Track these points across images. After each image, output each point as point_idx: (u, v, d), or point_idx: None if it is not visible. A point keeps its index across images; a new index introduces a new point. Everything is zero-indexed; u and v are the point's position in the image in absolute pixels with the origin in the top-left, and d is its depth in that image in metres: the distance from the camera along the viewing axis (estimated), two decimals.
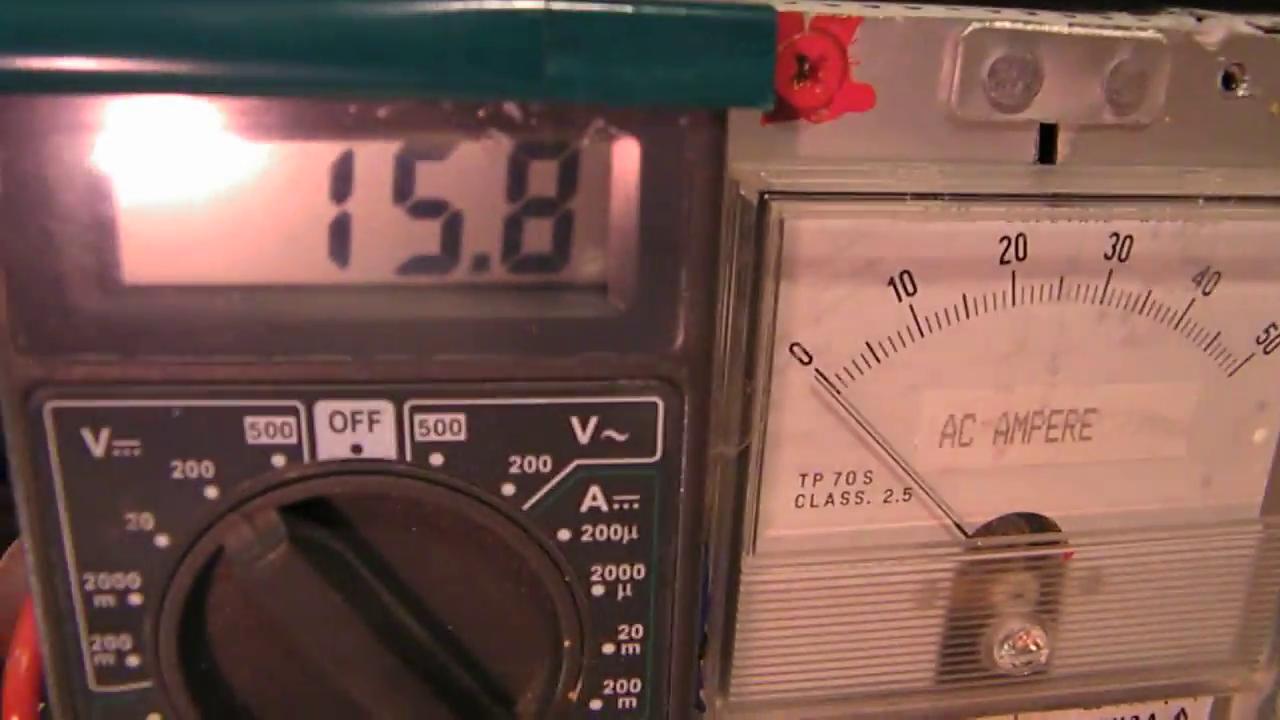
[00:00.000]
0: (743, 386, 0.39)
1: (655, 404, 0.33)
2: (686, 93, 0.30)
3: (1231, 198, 0.41)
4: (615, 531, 0.34)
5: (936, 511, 0.43)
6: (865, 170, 0.39)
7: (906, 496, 0.42)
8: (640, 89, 0.29)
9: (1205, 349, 0.43)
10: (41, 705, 0.37)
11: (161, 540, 0.33)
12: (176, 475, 0.33)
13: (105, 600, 0.34)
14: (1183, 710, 0.50)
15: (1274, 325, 0.43)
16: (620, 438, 0.33)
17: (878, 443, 0.41)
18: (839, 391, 0.40)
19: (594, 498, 0.34)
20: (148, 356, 0.32)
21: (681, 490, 0.34)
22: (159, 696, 0.35)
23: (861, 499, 0.42)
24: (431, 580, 0.36)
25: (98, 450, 0.32)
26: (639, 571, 0.35)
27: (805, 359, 0.39)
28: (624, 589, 0.35)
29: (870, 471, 0.42)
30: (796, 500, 0.41)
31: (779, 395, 0.40)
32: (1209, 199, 0.41)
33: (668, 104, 0.30)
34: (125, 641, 0.34)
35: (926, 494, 0.42)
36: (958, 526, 0.43)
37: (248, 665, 0.36)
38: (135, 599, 0.34)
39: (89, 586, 0.34)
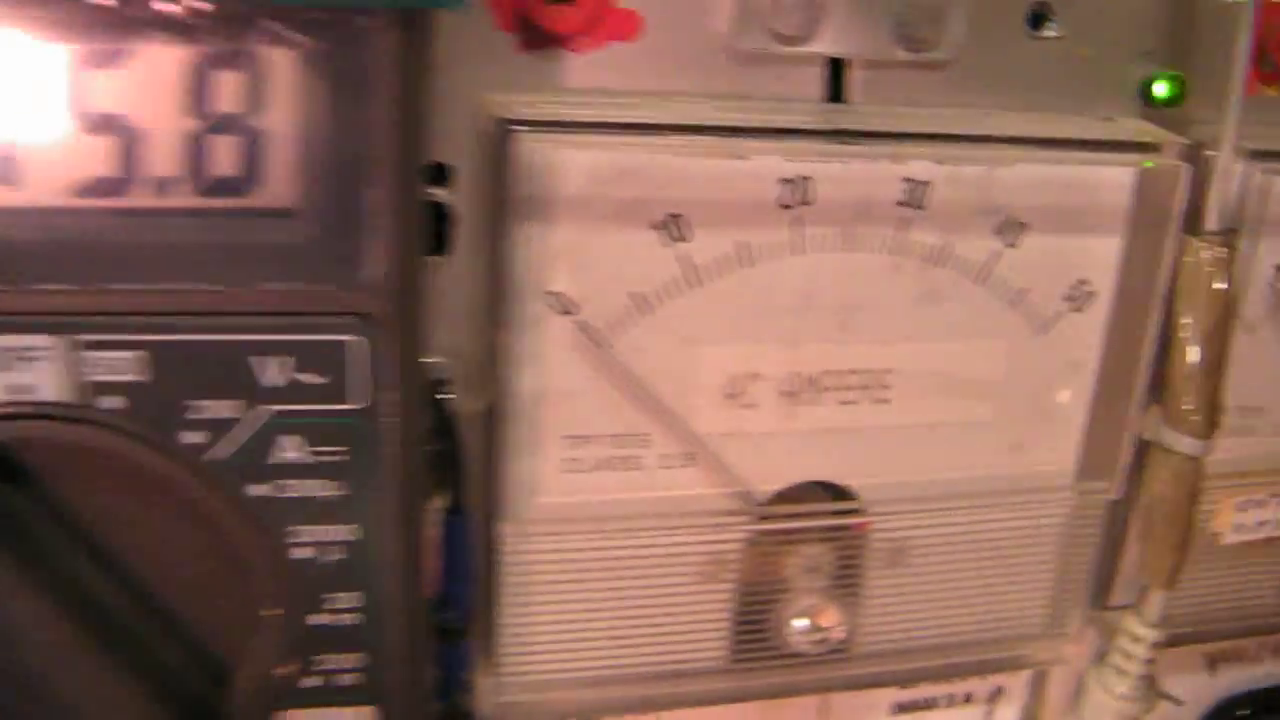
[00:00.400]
0: (489, 337, 0.36)
1: (353, 343, 0.30)
2: None
3: (1034, 140, 0.38)
4: (318, 487, 0.31)
5: (721, 478, 0.40)
6: (629, 103, 0.36)
7: (687, 462, 0.39)
8: None
9: (1011, 306, 0.40)
10: None
11: None
12: None
13: None
14: (1000, 686, 0.47)
15: (1084, 281, 0.41)
16: (317, 381, 0.30)
17: (652, 403, 0.38)
18: (605, 346, 0.37)
19: (290, 448, 0.30)
20: None
21: (392, 443, 0.31)
22: None
23: (637, 464, 0.39)
24: (130, 543, 0.32)
25: None
26: (349, 533, 0.31)
27: (566, 309, 0.36)
28: (333, 552, 0.32)
29: (646, 434, 0.39)
30: (565, 464, 0.38)
31: (539, 349, 0.37)
32: (1010, 141, 0.38)
33: (342, 5, 0.27)
34: None
35: (709, 460, 0.39)
36: (745, 494, 0.40)
37: None
38: None
39: None
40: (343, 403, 0.30)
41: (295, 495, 0.31)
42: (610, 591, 0.40)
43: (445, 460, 0.37)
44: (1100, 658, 0.43)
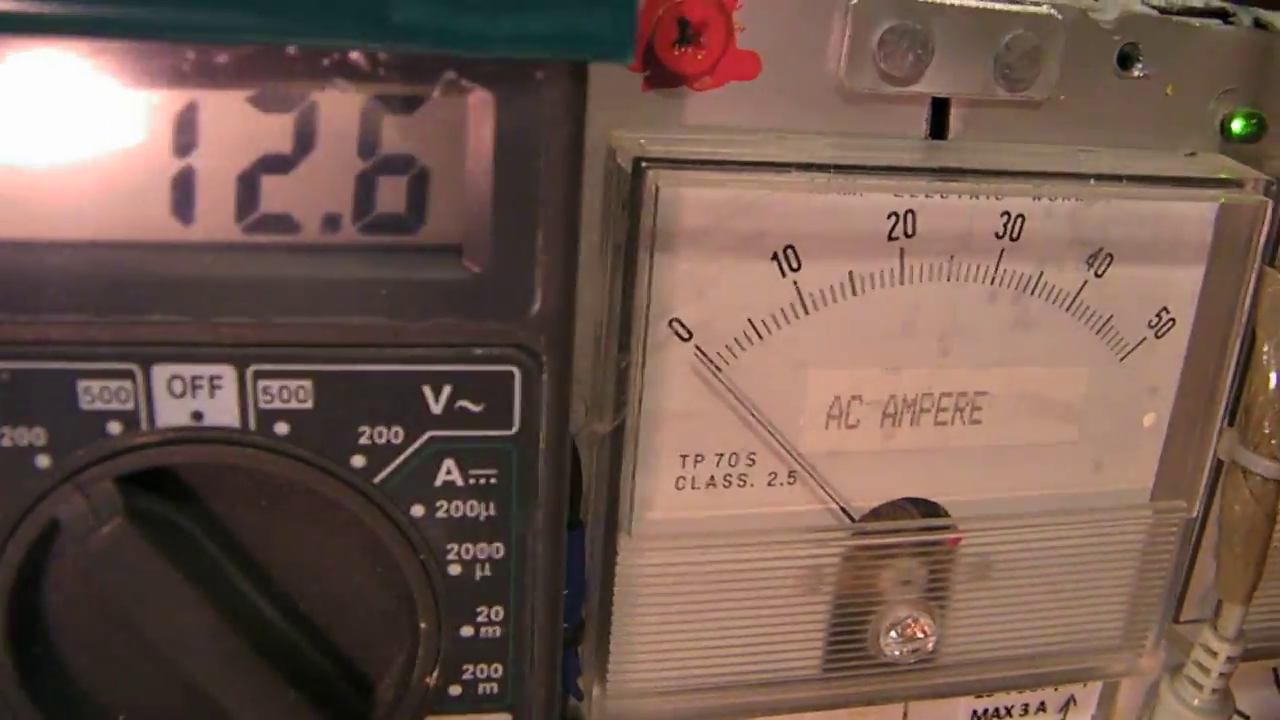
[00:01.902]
0: (617, 362, 0.37)
1: (512, 373, 0.31)
2: (541, 45, 0.28)
3: (1123, 177, 0.40)
4: (472, 508, 0.33)
5: (822, 495, 0.41)
6: (749, 140, 0.38)
7: (791, 480, 0.41)
8: (492, 39, 0.28)
9: (1097, 332, 0.42)
10: None
11: None
12: (5, 443, 0.31)
13: None
14: (1072, 696, 0.49)
15: (1165, 310, 0.43)
16: (475, 408, 0.32)
17: (761, 424, 0.40)
18: (720, 370, 0.39)
19: (449, 471, 0.32)
20: None
21: (542, 465, 0.32)
22: None
23: (745, 481, 0.41)
24: (284, 558, 0.34)
25: None
26: (498, 550, 0.33)
27: (685, 335, 0.38)
28: (482, 569, 0.33)
29: (754, 453, 0.40)
30: (677, 482, 0.40)
31: (658, 372, 0.38)
32: (1101, 178, 0.40)
33: (521, 56, 0.29)
34: None
35: (812, 477, 0.41)
36: (844, 511, 0.42)
37: (87, 648, 0.34)
38: None
39: None
40: (498, 428, 0.32)
41: (450, 516, 0.33)
42: (713, 604, 0.41)
43: None
44: (1174, 670, 0.45)
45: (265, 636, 0.33)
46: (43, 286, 0.30)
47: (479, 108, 0.30)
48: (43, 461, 0.31)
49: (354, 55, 0.29)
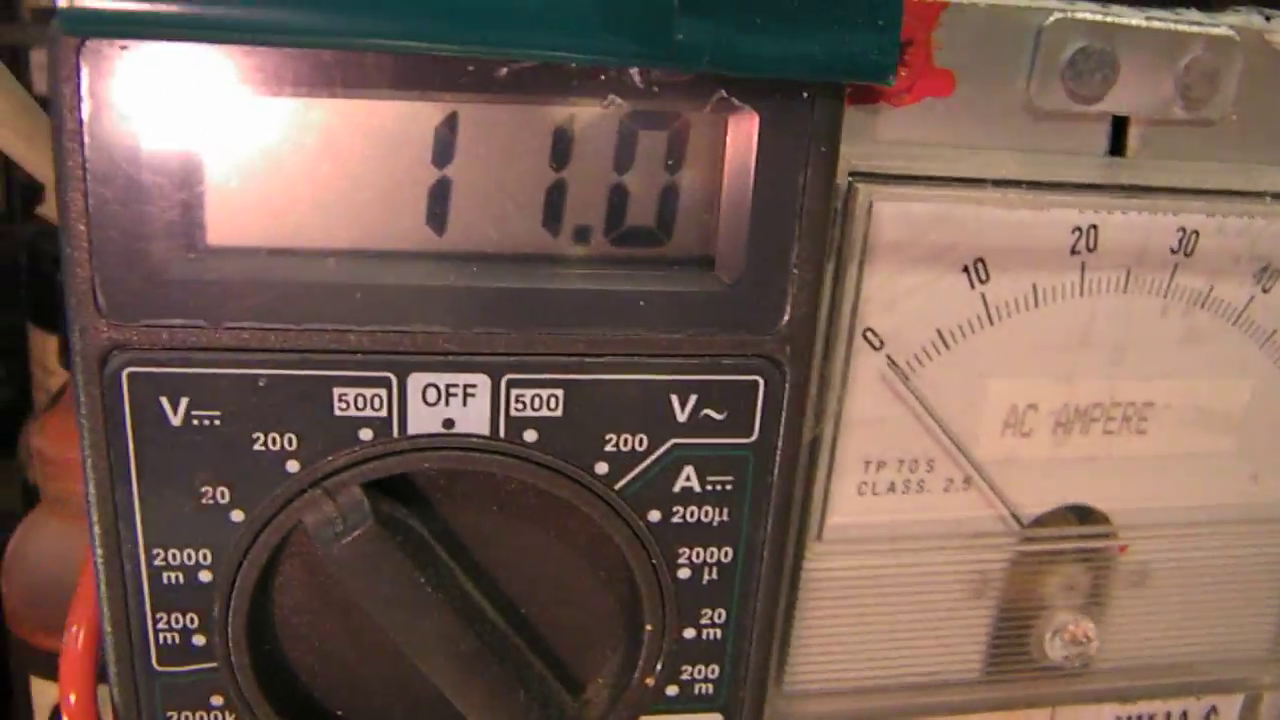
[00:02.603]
0: (820, 371, 0.38)
1: (756, 383, 0.32)
2: (813, 66, 0.29)
3: None
4: (706, 514, 0.33)
5: (994, 501, 0.42)
6: (943, 156, 0.39)
7: (966, 486, 0.42)
8: (768, 60, 0.29)
9: (1261, 346, 0.43)
10: None
11: (236, 515, 0.32)
12: (257, 447, 0.32)
13: (173, 576, 0.32)
14: (1214, 706, 0.50)
15: None
16: (718, 417, 0.32)
17: (942, 431, 0.41)
18: (908, 378, 0.40)
19: (687, 478, 0.33)
20: (233, 322, 0.31)
21: (775, 473, 0.33)
22: (224, 678, 0.33)
23: (922, 487, 0.42)
24: (506, 561, 0.35)
25: (175, 419, 0.31)
26: (726, 555, 0.34)
27: (877, 345, 0.39)
28: (710, 572, 0.34)
29: (932, 460, 0.41)
30: (859, 487, 0.41)
31: (853, 381, 0.39)
32: (1275, 196, 0.41)
33: (793, 77, 0.29)
34: (192, 620, 0.33)
35: (985, 483, 0.42)
36: (1014, 516, 0.43)
37: (311, 646, 0.35)
38: (205, 576, 0.33)
39: (157, 562, 0.32)
40: (738, 436, 0.33)
41: (685, 521, 0.33)
42: (883, 607, 0.42)
43: None
44: None
45: (492, 638, 0.34)
46: (300, 295, 0.31)
47: (740, 125, 0.30)
48: (293, 466, 0.32)
49: (631, 72, 0.29)
